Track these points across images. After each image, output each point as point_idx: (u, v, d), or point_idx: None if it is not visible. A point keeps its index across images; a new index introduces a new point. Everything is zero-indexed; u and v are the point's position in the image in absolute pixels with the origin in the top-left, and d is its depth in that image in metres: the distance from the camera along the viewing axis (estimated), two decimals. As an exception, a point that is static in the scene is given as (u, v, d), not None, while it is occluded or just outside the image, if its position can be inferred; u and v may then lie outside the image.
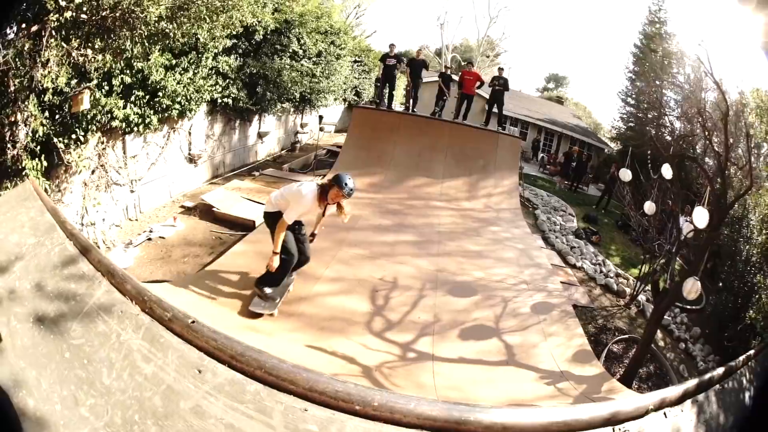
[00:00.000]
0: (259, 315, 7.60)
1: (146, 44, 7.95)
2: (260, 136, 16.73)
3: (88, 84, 7.68)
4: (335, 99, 23.06)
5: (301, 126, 20.60)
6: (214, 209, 11.19)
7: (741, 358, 5.16)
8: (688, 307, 12.79)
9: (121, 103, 8.85)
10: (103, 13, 6.60)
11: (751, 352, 5.46)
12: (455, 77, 21.85)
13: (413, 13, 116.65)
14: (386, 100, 18.98)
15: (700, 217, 8.57)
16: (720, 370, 4.73)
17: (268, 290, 7.79)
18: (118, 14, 6.77)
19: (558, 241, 15.30)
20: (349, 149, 16.82)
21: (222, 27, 9.60)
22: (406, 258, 10.85)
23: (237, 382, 2.73)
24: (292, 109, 19.11)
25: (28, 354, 2.75)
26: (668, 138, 25.90)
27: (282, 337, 7.23)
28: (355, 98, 26.38)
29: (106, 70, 7.94)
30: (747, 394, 4.78)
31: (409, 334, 8.15)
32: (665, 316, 12.07)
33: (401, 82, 23.86)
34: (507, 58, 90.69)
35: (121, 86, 8.67)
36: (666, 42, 32.36)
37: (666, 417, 3.81)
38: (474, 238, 12.72)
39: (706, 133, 11.51)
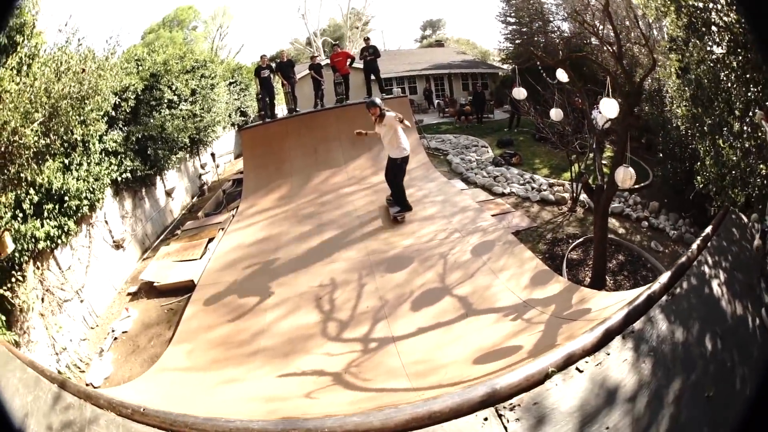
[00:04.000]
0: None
1: (35, 164, 8.06)
2: (168, 194, 16.62)
3: (3, 226, 7.75)
4: (223, 128, 23.05)
5: (202, 167, 20.54)
6: (155, 284, 11.23)
7: (694, 245, 5.07)
8: (637, 186, 13.06)
9: (38, 223, 8.89)
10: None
11: (708, 230, 5.46)
12: (324, 63, 22.07)
13: (275, 13, 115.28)
14: (269, 111, 19.25)
15: (609, 107, 8.71)
16: (664, 277, 4.55)
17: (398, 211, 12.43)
18: (2, 148, 6.99)
19: (479, 177, 15.79)
20: (250, 173, 17.00)
21: (91, 112, 9.82)
22: (335, 255, 11.11)
23: None
24: (187, 156, 19.01)
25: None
26: (558, 41, 26.34)
27: (254, 377, 7.46)
28: (243, 118, 26.35)
29: (13, 200, 8.04)
30: (716, 283, 4.64)
31: (364, 326, 8.40)
32: (616, 204, 12.35)
33: (281, 88, 23.85)
34: (377, 22, 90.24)
35: (32, 207, 8.71)
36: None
37: (581, 371, 3.55)
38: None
39: (591, 28, 11.66)
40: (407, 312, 8.61)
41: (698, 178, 8.65)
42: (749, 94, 7.34)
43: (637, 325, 3.91)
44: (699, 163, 8.77)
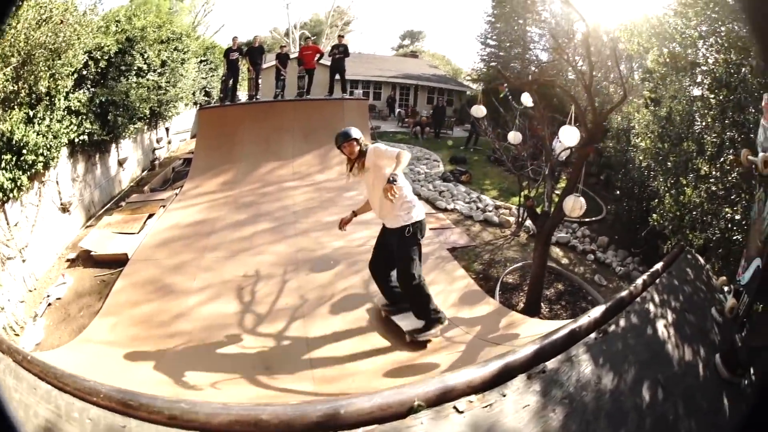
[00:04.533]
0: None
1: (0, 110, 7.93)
2: (120, 163, 16.19)
3: None
4: (186, 105, 22.62)
5: (157, 141, 20.16)
6: (92, 253, 11.06)
7: (639, 280, 4.78)
8: (587, 220, 13.10)
9: None
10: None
11: (658, 266, 5.25)
12: (292, 55, 21.92)
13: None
14: (231, 94, 19.31)
15: (569, 135, 8.72)
16: (596, 312, 4.02)
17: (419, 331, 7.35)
18: None
19: (424, 190, 15.90)
20: (200, 152, 16.90)
21: (62, 68, 9.76)
22: (264, 247, 11.16)
23: (48, 391, 3.46)
24: (145, 128, 18.57)
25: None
26: (535, 69, 26.88)
27: (167, 359, 7.37)
28: (206, 98, 25.84)
29: None
30: (661, 323, 4.26)
31: (280, 323, 8.33)
32: (563, 234, 12.35)
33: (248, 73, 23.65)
34: (358, 24, 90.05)
35: None
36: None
37: (461, 412, 2.79)
38: (329, 209, 13.12)
39: (566, 57, 11.69)
40: (325, 314, 8.58)
41: (654, 215, 8.67)
42: (724, 135, 7.39)
43: (551, 364, 3.25)
44: (657, 201, 8.81)
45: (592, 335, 3.70)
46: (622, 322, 4.01)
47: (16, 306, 9.35)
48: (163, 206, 13.62)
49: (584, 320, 3.83)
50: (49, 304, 9.57)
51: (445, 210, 14.25)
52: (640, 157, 11.35)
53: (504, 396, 2.93)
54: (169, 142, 21.58)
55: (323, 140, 16.34)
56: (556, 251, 12.11)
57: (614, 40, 10.86)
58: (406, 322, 7.61)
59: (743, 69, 6.90)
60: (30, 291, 10.10)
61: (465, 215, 13.94)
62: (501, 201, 15.53)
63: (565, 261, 11.86)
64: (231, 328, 8.19)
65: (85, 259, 11.11)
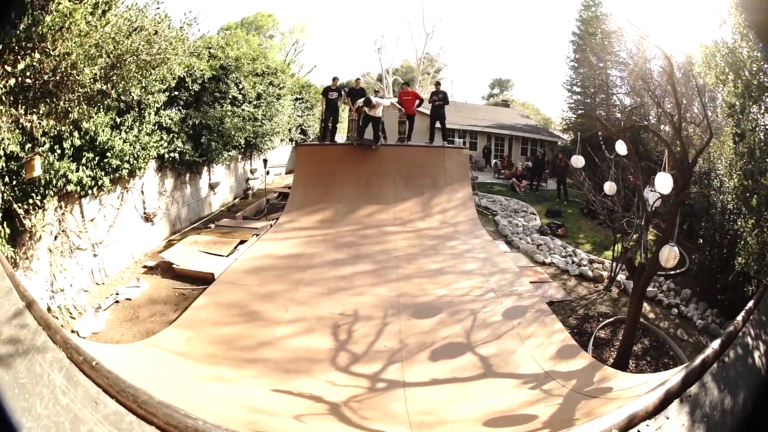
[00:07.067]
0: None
1: (86, 106, 8.05)
2: (212, 187, 16.78)
3: (38, 150, 7.85)
4: (281, 140, 23.16)
5: (251, 172, 20.64)
6: (174, 266, 11.25)
7: (739, 317, 4.96)
8: (672, 273, 12.65)
9: (73, 166, 9.01)
10: (45, 77, 6.79)
11: (750, 303, 5.27)
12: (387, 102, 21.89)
13: (352, 41, 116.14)
14: (329, 134, 19.18)
15: (663, 182, 8.31)
16: (715, 344, 4.51)
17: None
18: (58, 77, 6.93)
19: (522, 242, 15.37)
20: (298, 188, 16.91)
21: (155, 81, 10.03)
22: (364, 289, 10.84)
23: (118, 413, 3.20)
24: (239, 157, 19.22)
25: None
26: (619, 115, 26.06)
27: (246, 384, 7.22)
28: (302, 136, 26.33)
29: (55, 133, 8.13)
30: (757, 354, 4.50)
31: (376, 364, 8.05)
32: (651, 288, 11.87)
33: (346, 113, 23.58)
34: (448, 71, 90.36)
35: (72, 149, 8.84)
36: (603, 23, 33.34)
37: None
38: (432, 256, 12.83)
39: (655, 98, 11.21)
40: (425, 360, 8.27)
41: (739, 259, 8.18)
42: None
43: (693, 389, 3.97)
44: (741, 243, 8.32)
45: (715, 365, 4.31)
46: (732, 354, 4.47)
47: (78, 293, 9.63)
48: (256, 235, 13.75)
49: (709, 351, 4.46)
50: (117, 302, 9.76)
51: (543, 264, 13.78)
52: (728, 198, 10.72)
53: (668, 419, 3.67)
54: (267, 173, 22.08)
55: (424, 187, 16.42)
56: (644, 305, 11.15)
57: (692, 75, 10.38)
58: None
59: None
60: (96, 284, 10.40)
61: (561, 269, 13.50)
62: (594, 255, 14.97)
63: (651, 315, 11.19)
64: (322, 364, 7.99)
65: (165, 270, 11.36)
